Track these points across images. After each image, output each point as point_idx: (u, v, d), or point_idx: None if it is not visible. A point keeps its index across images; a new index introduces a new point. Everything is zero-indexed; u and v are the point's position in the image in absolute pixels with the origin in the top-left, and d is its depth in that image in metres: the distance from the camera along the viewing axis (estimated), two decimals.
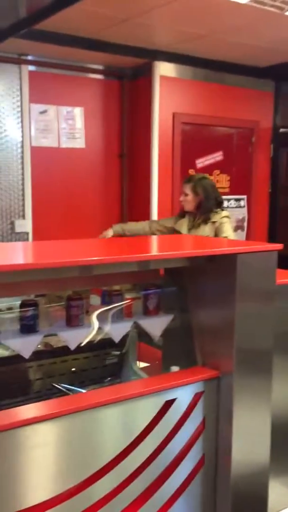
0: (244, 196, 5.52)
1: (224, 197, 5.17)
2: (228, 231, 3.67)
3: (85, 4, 3.40)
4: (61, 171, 4.79)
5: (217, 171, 5.28)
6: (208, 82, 5.09)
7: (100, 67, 4.92)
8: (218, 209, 3.73)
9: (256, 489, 2.30)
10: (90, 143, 4.91)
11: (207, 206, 3.71)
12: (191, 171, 5.11)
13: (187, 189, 3.73)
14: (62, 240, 2.72)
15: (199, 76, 5.04)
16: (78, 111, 4.81)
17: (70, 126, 4.78)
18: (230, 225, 3.73)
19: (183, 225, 3.79)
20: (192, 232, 3.73)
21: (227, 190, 5.38)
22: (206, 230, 3.67)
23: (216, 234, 3.66)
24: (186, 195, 3.74)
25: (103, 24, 3.92)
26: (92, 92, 4.91)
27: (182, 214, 3.88)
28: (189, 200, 3.73)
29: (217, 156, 5.30)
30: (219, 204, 3.80)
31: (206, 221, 3.68)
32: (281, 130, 5.48)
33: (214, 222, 3.68)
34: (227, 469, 2.18)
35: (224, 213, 3.74)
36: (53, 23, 3.80)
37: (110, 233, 3.90)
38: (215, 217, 3.69)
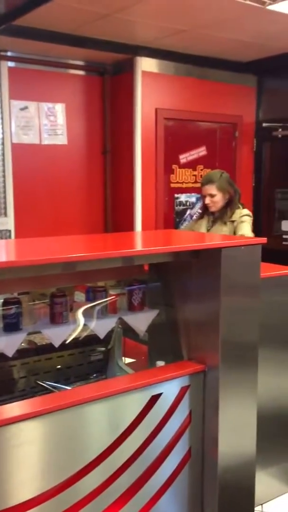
0: None
1: None
2: (245, 229, 3.45)
3: (65, 0, 3.39)
4: (43, 168, 4.75)
5: (200, 166, 5.29)
6: (191, 77, 5.09)
7: (81, 63, 4.89)
8: (240, 207, 3.56)
9: (243, 480, 2.31)
10: (72, 140, 4.88)
11: (235, 201, 3.55)
12: (175, 167, 5.11)
13: (213, 190, 3.51)
14: (45, 237, 2.70)
15: (181, 71, 5.03)
16: (59, 108, 4.78)
17: (51, 122, 4.74)
18: (249, 224, 3.51)
19: (202, 225, 3.64)
20: (211, 232, 3.56)
21: None
22: (224, 229, 3.51)
23: (235, 232, 3.47)
24: (212, 196, 3.51)
25: (84, 19, 3.89)
26: (73, 88, 4.88)
27: (201, 215, 3.72)
28: (217, 201, 3.51)
29: (201, 151, 5.30)
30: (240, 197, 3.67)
31: (225, 220, 3.51)
32: (264, 124, 5.50)
33: (233, 221, 3.49)
34: (214, 461, 2.19)
35: (245, 211, 3.54)
36: (32, 18, 3.76)
37: None
38: (235, 216, 3.50)
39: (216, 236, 3.07)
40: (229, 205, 3.53)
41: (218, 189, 3.51)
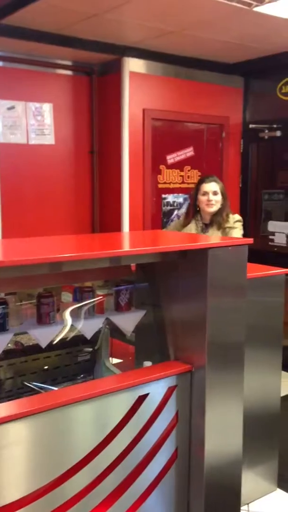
0: None
1: None
2: (237, 235, 3.44)
3: None
4: (30, 168, 4.73)
5: (188, 167, 5.30)
6: (178, 78, 5.10)
7: (68, 62, 4.87)
8: (231, 213, 3.53)
9: (229, 480, 2.32)
10: (59, 140, 4.86)
11: (229, 207, 3.53)
12: (162, 167, 5.12)
13: (218, 188, 3.47)
14: (32, 238, 2.69)
15: (168, 72, 5.04)
16: (47, 107, 4.76)
17: (38, 122, 4.72)
18: (241, 229, 3.49)
19: (191, 230, 3.54)
20: None
21: None
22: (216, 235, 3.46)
23: None
24: (215, 193, 3.45)
25: (72, 19, 3.88)
26: (61, 88, 4.86)
27: (188, 220, 3.60)
28: (219, 200, 3.45)
29: (188, 152, 5.31)
30: None
31: (223, 226, 3.45)
32: (251, 125, 5.52)
33: (225, 228, 3.44)
34: (201, 461, 2.20)
35: (237, 216, 3.51)
36: (20, 18, 3.75)
37: None
38: (229, 222, 3.46)
39: (202, 237, 3.08)
40: (224, 211, 3.48)
41: (220, 190, 3.49)
